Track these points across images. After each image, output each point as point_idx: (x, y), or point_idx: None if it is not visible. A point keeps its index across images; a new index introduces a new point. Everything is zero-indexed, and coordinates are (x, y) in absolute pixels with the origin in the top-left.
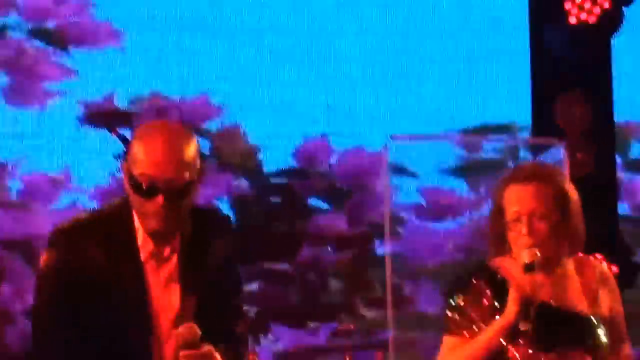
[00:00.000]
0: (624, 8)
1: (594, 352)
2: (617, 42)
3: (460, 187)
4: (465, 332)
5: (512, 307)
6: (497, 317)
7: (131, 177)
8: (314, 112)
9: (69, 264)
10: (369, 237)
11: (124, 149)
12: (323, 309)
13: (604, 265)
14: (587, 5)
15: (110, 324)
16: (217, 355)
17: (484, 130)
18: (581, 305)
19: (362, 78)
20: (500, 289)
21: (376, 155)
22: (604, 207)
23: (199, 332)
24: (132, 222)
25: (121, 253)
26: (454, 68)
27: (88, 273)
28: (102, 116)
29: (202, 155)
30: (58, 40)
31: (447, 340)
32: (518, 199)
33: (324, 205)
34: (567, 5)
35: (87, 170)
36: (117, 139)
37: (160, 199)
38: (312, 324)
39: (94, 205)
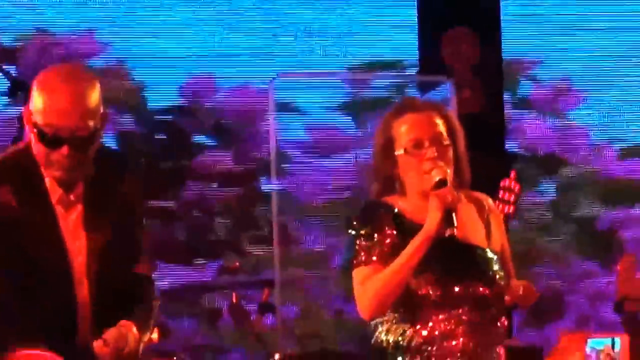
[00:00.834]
0: None
1: (493, 285)
2: None
3: (347, 125)
4: (376, 261)
5: (434, 217)
6: (401, 245)
7: (35, 126)
8: (200, 52)
9: None
10: (255, 174)
11: (11, 87)
12: (209, 246)
13: (489, 198)
14: None
15: (27, 266)
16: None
17: (371, 67)
18: (478, 237)
19: (252, 15)
20: (401, 224)
21: (262, 93)
22: (493, 146)
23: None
24: (39, 168)
25: (32, 197)
26: (341, 5)
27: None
28: None
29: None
30: None
31: (360, 272)
32: (417, 126)
33: (210, 143)
34: None
35: None
36: (4, 76)
37: (65, 149)
38: (198, 262)
39: None
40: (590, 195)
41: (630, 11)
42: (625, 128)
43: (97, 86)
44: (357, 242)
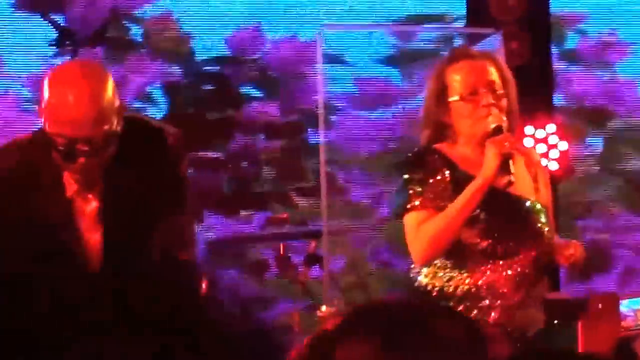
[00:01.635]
0: None
1: (540, 238)
2: None
3: (394, 77)
4: (430, 205)
5: (492, 163)
6: (454, 191)
7: (48, 133)
8: (247, 2)
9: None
10: (302, 126)
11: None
12: (256, 197)
13: (537, 154)
14: None
15: (38, 257)
16: None
17: (418, 19)
18: (526, 189)
19: None
20: (451, 165)
21: (309, 45)
22: (540, 98)
23: None
24: (55, 159)
25: (47, 188)
26: None
27: (12, 205)
28: (35, 2)
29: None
30: None
31: (413, 217)
32: (472, 73)
33: (257, 94)
34: None
35: (19, 57)
36: (52, 25)
37: (80, 160)
38: (244, 213)
39: (26, 92)
40: (638, 148)
41: None
42: None
43: (110, 82)
44: (410, 186)
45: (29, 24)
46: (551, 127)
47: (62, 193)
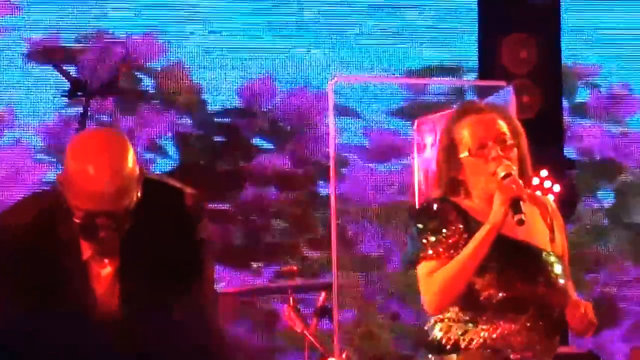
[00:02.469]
0: None
1: (555, 289)
2: None
3: (405, 129)
4: (443, 255)
5: (499, 209)
6: (467, 242)
7: (69, 202)
8: (258, 54)
9: (6, 254)
10: (313, 177)
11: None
12: (266, 249)
13: (552, 201)
14: None
15: (51, 321)
16: None
17: (430, 71)
18: (540, 239)
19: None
20: (465, 216)
21: (320, 96)
22: (551, 151)
23: None
24: (72, 220)
25: (63, 250)
26: (401, 10)
27: (27, 268)
28: (47, 53)
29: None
30: None
31: (426, 266)
32: (480, 128)
33: (268, 145)
34: None
35: (31, 107)
36: (64, 76)
37: (100, 234)
38: (255, 265)
39: (38, 142)
40: None
41: None
42: None
43: (131, 154)
44: (424, 236)
45: (41, 75)
46: (544, 172)
47: (78, 255)
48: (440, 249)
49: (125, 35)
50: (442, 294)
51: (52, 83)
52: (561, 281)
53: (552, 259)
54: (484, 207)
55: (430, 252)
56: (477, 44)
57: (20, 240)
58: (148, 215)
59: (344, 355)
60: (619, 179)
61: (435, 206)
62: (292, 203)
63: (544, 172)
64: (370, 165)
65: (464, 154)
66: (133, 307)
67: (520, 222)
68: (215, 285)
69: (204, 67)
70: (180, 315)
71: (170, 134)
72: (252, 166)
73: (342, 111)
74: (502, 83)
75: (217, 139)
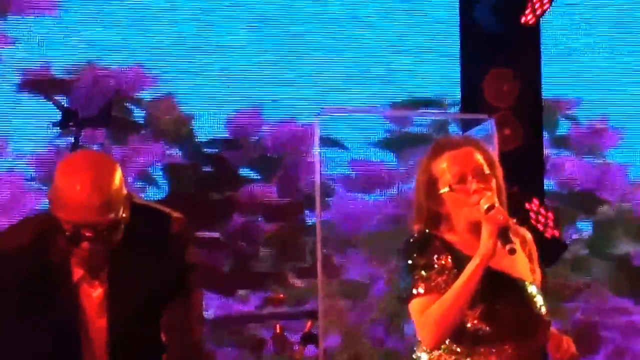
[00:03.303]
0: None
1: (539, 320)
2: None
3: (389, 160)
4: (434, 290)
5: (488, 241)
6: (456, 276)
7: (57, 216)
8: (246, 84)
9: (7, 272)
10: (299, 206)
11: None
12: (253, 277)
13: (530, 235)
14: None
15: (42, 341)
16: None
17: (414, 104)
18: (522, 270)
19: (294, 51)
20: (451, 249)
21: (307, 127)
22: (532, 183)
23: None
24: (64, 243)
25: (54, 271)
26: (386, 44)
27: (19, 287)
28: (40, 84)
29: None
30: None
31: (419, 302)
32: (457, 162)
33: (255, 175)
34: None
35: (24, 137)
36: (55, 106)
37: (85, 244)
38: (242, 292)
39: (30, 171)
40: (626, 233)
41: None
42: None
43: (118, 172)
44: (414, 272)
45: (33, 105)
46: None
47: (69, 277)
48: (432, 285)
49: (115, 67)
50: (438, 328)
51: (44, 113)
52: (544, 312)
53: (535, 290)
54: (469, 238)
55: (421, 289)
56: (459, 78)
57: (13, 262)
58: (136, 239)
59: None
60: (599, 210)
61: (422, 241)
62: (279, 231)
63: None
64: (355, 194)
65: (444, 190)
66: (121, 328)
67: (512, 252)
68: (202, 308)
69: (192, 98)
70: (166, 335)
71: (159, 164)
72: (240, 195)
73: (328, 142)
74: (483, 116)
75: (206, 168)
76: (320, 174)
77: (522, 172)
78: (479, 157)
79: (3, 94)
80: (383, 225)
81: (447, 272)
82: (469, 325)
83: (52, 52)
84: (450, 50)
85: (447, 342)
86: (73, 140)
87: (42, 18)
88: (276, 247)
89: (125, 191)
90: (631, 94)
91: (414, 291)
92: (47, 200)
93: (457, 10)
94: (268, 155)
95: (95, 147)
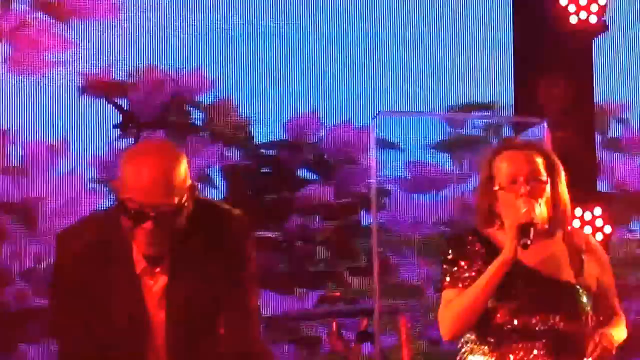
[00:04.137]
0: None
1: (576, 320)
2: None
3: (444, 162)
4: (461, 284)
5: (512, 243)
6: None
7: (120, 200)
8: (305, 88)
9: (68, 270)
10: (355, 207)
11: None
12: (310, 276)
13: (591, 237)
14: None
15: (107, 333)
16: None
17: (468, 108)
18: (566, 273)
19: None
20: (492, 250)
21: (364, 130)
22: (585, 185)
23: None
24: (126, 236)
25: (117, 264)
26: (442, 48)
27: (86, 281)
28: (100, 87)
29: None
30: (59, 12)
31: (445, 294)
32: (513, 163)
33: (313, 177)
34: None
35: (85, 139)
36: (116, 109)
37: (148, 224)
38: (299, 291)
39: (92, 173)
40: None
41: None
42: None
43: (183, 161)
44: (448, 265)
45: (95, 108)
46: (597, 210)
47: (132, 269)
48: (456, 279)
49: (175, 70)
50: (454, 322)
51: (105, 116)
52: (585, 311)
53: (577, 290)
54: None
55: (447, 281)
56: (512, 82)
57: (80, 256)
58: (197, 233)
59: None
60: None
61: (458, 238)
62: (335, 232)
63: (597, 210)
64: (411, 196)
65: (496, 187)
66: (179, 322)
67: (525, 246)
68: (258, 303)
69: (251, 101)
70: (224, 329)
71: (218, 165)
72: (297, 197)
73: (384, 144)
74: (536, 119)
75: (264, 170)
76: (376, 175)
77: (575, 174)
78: (539, 161)
79: (65, 97)
80: (438, 227)
81: (474, 270)
82: (498, 319)
83: (113, 56)
84: (505, 54)
85: (476, 333)
86: (133, 142)
87: (103, 22)
88: (332, 247)
89: (189, 181)
90: None
91: (444, 283)
92: (113, 188)
93: (512, 15)
94: (325, 157)
95: None
